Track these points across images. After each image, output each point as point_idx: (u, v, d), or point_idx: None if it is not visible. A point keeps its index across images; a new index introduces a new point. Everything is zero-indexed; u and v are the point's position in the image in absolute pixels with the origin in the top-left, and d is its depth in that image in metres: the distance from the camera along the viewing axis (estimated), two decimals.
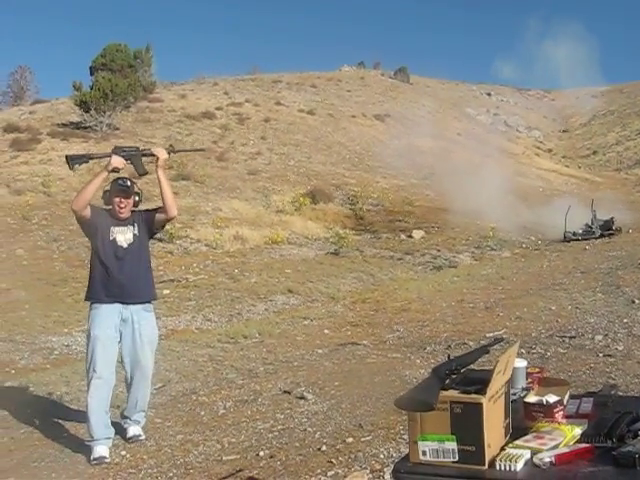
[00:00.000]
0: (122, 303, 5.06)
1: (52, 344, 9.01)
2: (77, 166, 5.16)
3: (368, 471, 4.40)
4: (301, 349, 8.20)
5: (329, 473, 4.43)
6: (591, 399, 2.62)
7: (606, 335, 7.54)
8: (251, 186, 21.14)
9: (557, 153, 42.92)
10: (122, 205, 5.14)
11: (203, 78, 37.31)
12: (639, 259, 12.21)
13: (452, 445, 2.16)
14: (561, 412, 2.43)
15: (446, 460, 2.18)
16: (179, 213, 5.56)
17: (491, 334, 7.78)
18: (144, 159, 5.35)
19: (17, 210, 16.02)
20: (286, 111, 32.81)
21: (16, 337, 9.10)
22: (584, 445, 2.21)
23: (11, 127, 23.54)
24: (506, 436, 2.32)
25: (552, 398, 2.46)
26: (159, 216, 5.29)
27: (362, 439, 4.97)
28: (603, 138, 44.01)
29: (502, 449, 2.22)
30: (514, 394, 2.60)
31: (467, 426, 2.14)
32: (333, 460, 4.63)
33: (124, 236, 5.15)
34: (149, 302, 5.27)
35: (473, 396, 2.16)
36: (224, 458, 4.85)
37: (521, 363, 2.75)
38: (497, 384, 2.23)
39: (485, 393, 2.14)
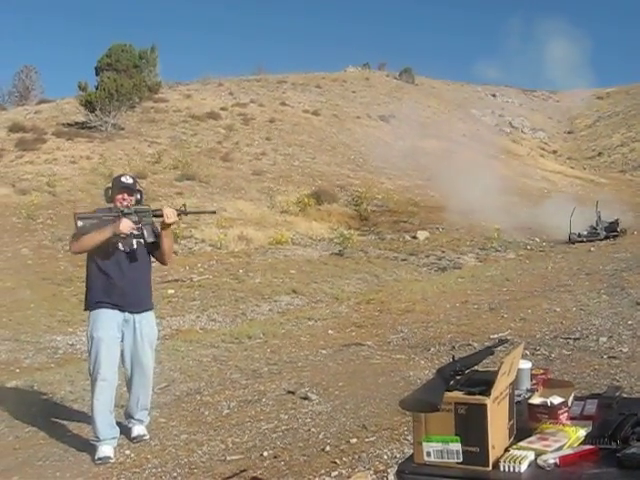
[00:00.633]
0: (123, 311, 5.01)
1: (57, 343, 9.03)
2: (81, 223, 4.96)
3: (372, 472, 4.40)
4: (305, 350, 8.20)
5: (333, 474, 4.43)
6: (595, 401, 2.62)
7: (611, 337, 7.53)
8: (256, 186, 21.16)
9: (562, 154, 42.86)
10: (125, 203, 5.07)
11: (208, 78, 37.34)
12: None
13: (456, 446, 2.16)
14: (565, 414, 2.43)
15: (450, 461, 2.18)
16: (171, 267, 5.40)
17: (495, 335, 7.77)
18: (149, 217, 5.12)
19: (22, 209, 16.08)
20: (291, 112, 32.82)
21: (21, 336, 9.12)
22: (588, 447, 2.21)
23: (17, 127, 23.62)
24: (510, 437, 2.32)
25: (556, 400, 2.46)
26: (155, 252, 5.20)
27: (366, 440, 4.97)
28: (608, 139, 43.91)
29: (506, 450, 2.22)
30: (518, 395, 2.60)
31: (471, 427, 2.14)
32: (337, 460, 4.63)
33: (126, 240, 5.06)
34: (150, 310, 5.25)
35: (477, 397, 2.16)
36: (228, 458, 4.86)
37: (526, 364, 2.75)
38: (501, 385, 2.23)
39: (489, 394, 2.15)
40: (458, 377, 2.30)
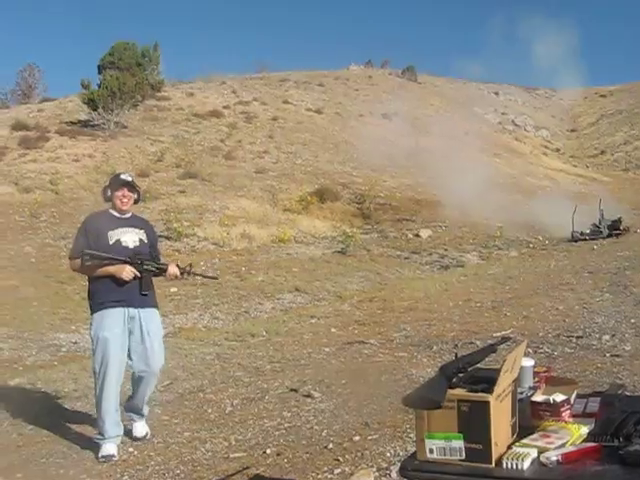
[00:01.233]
0: (128, 306, 5.00)
1: (60, 341, 9.05)
2: (87, 259, 4.95)
3: (374, 469, 4.41)
4: (308, 347, 8.21)
5: (336, 471, 4.44)
6: (598, 398, 2.63)
7: (613, 335, 7.52)
8: (258, 185, 21.15)
9: (565, 152, 42.76)
10: (125, 198, 5.09)
11: (211, 77, 37.26)
12: None
13: (459, 443, 2.17)
14: (568, 411, 2.44)
15: (453, 458, 2.19)
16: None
17: (498, 333, 7.77)
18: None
19: (25, 208, 16.10)
20: (294, 110, 32.81)
21: (24, 334, 9.14)
22: (591, 444, 2.21)
23: (20, 125, 23.62)
24: (513, 435, 2.32)
25: (559, 397, 2.47)
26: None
27: (369, 437, 4.98)
28: (611, 138, 43.79)
29: (509, 448, 2.23)
30: (521, 393, 2.60)
31: (474, 424, 2.15)
32: (340, 458, 4.64)
33: (129, 237, 5.07)
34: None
35: (480, 395, 2.17)
36: (231, 455, 4.87)
37: (528, 362, 2.75)
38: (504, 383, 2.24)
39: (492, 392, 2.15)
40: (461, 374, 2.31)
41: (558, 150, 43.17)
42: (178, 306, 10.90)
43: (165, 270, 5.18)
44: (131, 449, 5.09)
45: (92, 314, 5.05)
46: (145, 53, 29.87)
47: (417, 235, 18.08)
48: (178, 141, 24.40)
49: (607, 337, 7.47)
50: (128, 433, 5.27)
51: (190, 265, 5.39)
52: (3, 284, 11.49)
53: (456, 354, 2.46)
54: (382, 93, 40.15)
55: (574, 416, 2.45)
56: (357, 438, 4.99)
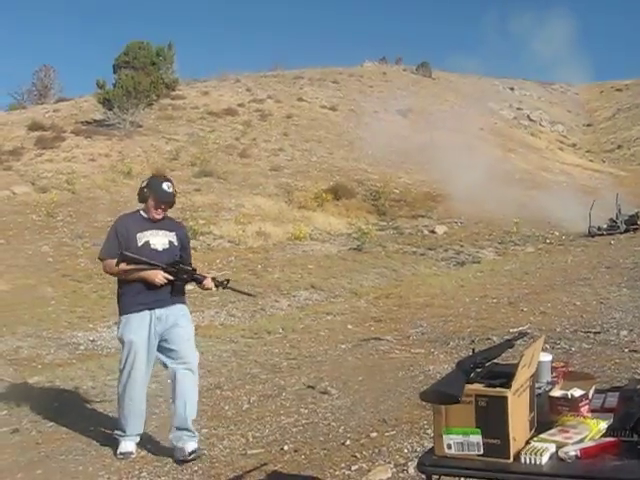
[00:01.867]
0: (153, 308, 4.89)
1: (78, 339, 9.09)
2: (122, 259, 4.79)
3: (392, 465, 4.41)
4: (324, 344, 8.22)
5: (353, 467, 4.45)
6: (616, 393, 2.61)
7: (631, 330, 7.48)
8: (273, 182, 21.17)
9: (581, 147, 42.52)
10: (159, 214, 4.96)
11: (225, 75, 37.31)
12: None
13: (477, 438, 2.17)
14: (586, 406, 2.43)
15: (471, 453, 2.18)
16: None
17: (515, 329, 7.75)
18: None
19: (42, 207, 16.19)
20: (308, 107, 32.79)
21: (42, 332, 9.19)
22: (610, 439, 2.20)
23: (36, 125, 23.77)
24: (531, 430, 2.32)
25: (577, 392, 2.46)
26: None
27: (386, 434, 4.98)
28: (628, 132, 43.47)
29: (527, 442, 2.22)
30: (539, 388, 2.60)
31: (492, 419, 2.15)
32: (357, 454, 4.65)
33: (158, 239, 4.95)
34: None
35: (498, 390, 2.16)
36: (249, 452, 4.88)
37: (546, 357, 2.75)
38: (522, 378, 2.24)
39: (510, 387, 2.15)
40: (478, 370, 2.31)
41: (574, 145, 42.93)
42: (194, 303, 10.88)
43: (200, 282, 5.06)
44: (149, 446, 5.11)
45: (120, 316, 4.99)
46: (160, 52, 29.90)
47: (433, 231, 18.04)
48: (193, 139, 24.45)
49: (625, 332, 7.43)
50: (170, 453, 4.90)
51: (227, 280, 5.22)
52: (21, 283, 11.58)
53: (473, 349, 2.46)
54: (396, 89, 40.04)
55: (592, 411, 2.45)
56: (374, 434, 5.00)
